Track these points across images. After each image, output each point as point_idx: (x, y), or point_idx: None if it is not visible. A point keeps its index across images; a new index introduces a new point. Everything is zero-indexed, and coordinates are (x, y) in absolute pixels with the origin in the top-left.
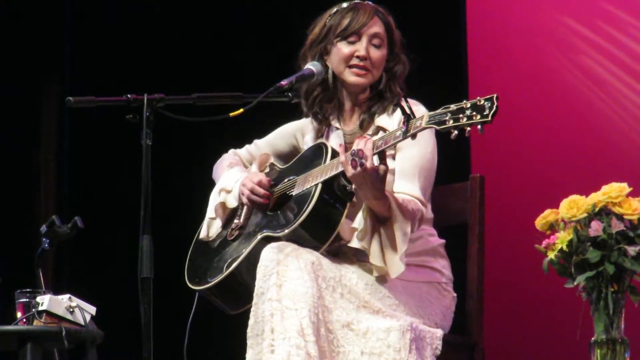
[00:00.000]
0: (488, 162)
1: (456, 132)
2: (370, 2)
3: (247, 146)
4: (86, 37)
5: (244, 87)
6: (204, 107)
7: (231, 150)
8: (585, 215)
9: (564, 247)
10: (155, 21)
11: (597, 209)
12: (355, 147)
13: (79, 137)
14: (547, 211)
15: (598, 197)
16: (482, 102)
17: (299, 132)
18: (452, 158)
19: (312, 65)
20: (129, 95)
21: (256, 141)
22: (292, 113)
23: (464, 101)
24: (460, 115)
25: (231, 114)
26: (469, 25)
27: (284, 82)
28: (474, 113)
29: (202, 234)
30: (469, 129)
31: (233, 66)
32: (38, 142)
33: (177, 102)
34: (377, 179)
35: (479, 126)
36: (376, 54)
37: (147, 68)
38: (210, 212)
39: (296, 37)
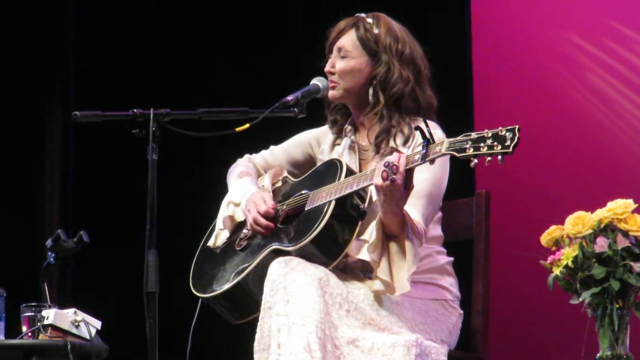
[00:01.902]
0: (493, 178)
1: (476, 160)
2: (361, 14)
3: (262, 152)
4: (90, 52)
5: (249, 102)
6: (210, 121)
7: (246, 156)
8: (590, 231)
9: (569, 264)
10: (160, 36)
11: (602, 225)
12: (389, 159)
13: (83, 151)
14: (553, 227)
15: (603, 214)
16: (503, 132)
17: (315, 141)
18: (457, 174)
19: (317, 81)
20: (135, 110)
21: (272, 148)
22: (295, 126)
23: (485, 130)
24: (481, 145)
25: (237, 129)
26: (474, 42)
27: (289, 98)
28: (495, 143)
29: (210, 242)
30: (489, 158)
31: (238, 81)
32: (42, 156)
33: (183, 117)
34: (402, 196)
35: (499, 156)
36: (339, 64)
37: (152, 83)
38: (219, 222)
39: (303, 51)
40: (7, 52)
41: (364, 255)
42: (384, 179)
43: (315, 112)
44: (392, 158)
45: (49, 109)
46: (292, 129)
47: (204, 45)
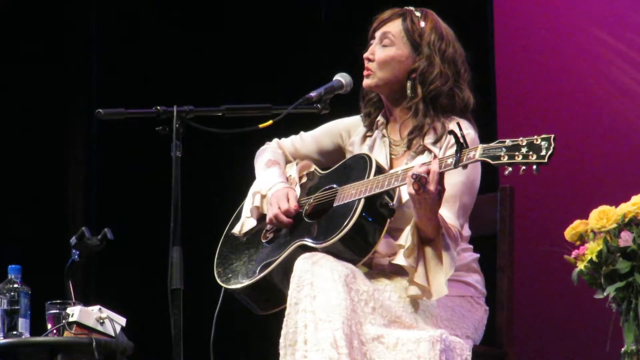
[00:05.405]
0: (517, 173)
1: (510, 169)
2: (410, 7)
3: (292, 137)
4: (113, 48)
5: (272, 98)
6: (233, 118)
7: (275, 140)
8: (614, 225)
9: (594, 258)
10: (184, 33)
11: (626, 220)
12: (420, 168)
13: (107, 148)
14: (577, 222)
15: (628, 208)
16: (539, 141)
17: (346, 131)
18: (482, 169)
19: (340, 77)
20: (158, 107)
21: (302, 134)
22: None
23: (520, 138)
24: (516, 153)
25: (260, 126)
26: (497, 38)
27: (312, 94)
28: (530, 152)
29: (236, 229)
30: (524, 167)
31: (262, 77)
32: (67, 154)
33: (207, 114)
34: (436, 202)
35: (534, 166)
36: (380, 52)
37: (175, 79)
38: (246, 210)
39: (326, 48)
40: (31, 49)
41: (401, 260)
42: (416, 190)
43: (337, 108)
44: (421, 169)
45: (72, 106)
46: (316, 125)
47: (226, 42)
